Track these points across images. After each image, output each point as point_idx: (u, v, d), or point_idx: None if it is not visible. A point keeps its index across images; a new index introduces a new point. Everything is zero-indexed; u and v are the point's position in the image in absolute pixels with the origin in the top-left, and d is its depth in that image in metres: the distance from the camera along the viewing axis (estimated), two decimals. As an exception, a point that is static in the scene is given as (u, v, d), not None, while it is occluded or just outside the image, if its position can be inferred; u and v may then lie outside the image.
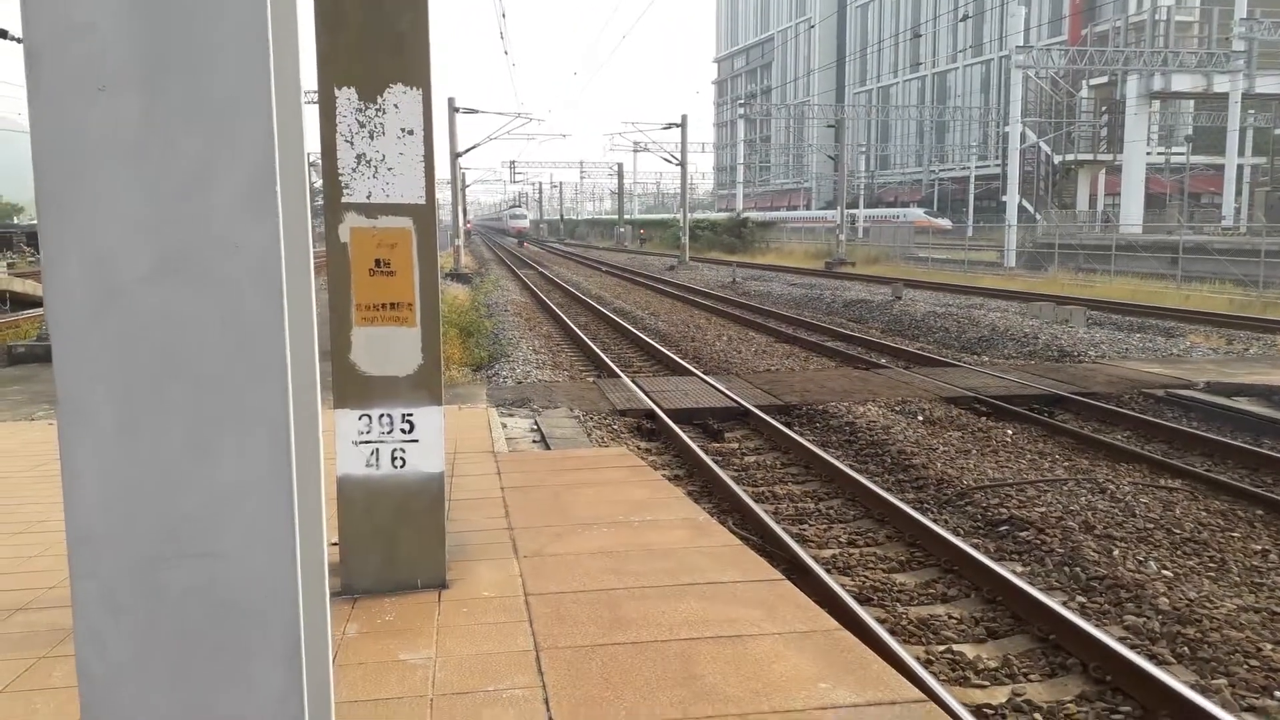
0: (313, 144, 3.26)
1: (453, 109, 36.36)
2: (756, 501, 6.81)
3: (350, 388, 4.20)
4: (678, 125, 44.22)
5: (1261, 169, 55.04)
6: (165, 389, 1.30)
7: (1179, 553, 5.94)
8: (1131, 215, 40.56)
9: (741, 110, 78.15)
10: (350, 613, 4.11)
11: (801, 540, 6.19)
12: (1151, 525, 6.37)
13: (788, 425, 9.38)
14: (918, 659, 4.42)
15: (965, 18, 73.02)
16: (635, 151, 73.08)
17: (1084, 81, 45.58)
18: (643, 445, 8.86)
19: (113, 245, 1.27)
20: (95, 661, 1.30)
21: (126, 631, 1.30)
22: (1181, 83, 40.85)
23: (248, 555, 1.33)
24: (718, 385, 11.06)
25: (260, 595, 1.34)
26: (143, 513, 1.30)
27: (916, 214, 64.39)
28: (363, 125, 3.99)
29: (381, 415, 4.22)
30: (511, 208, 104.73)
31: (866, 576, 5.67)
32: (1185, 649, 4.65)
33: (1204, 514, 6.63)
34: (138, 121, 1.27)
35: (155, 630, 1.32)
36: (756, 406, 9.88)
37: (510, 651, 3.75)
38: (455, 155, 37.44)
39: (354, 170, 4.03)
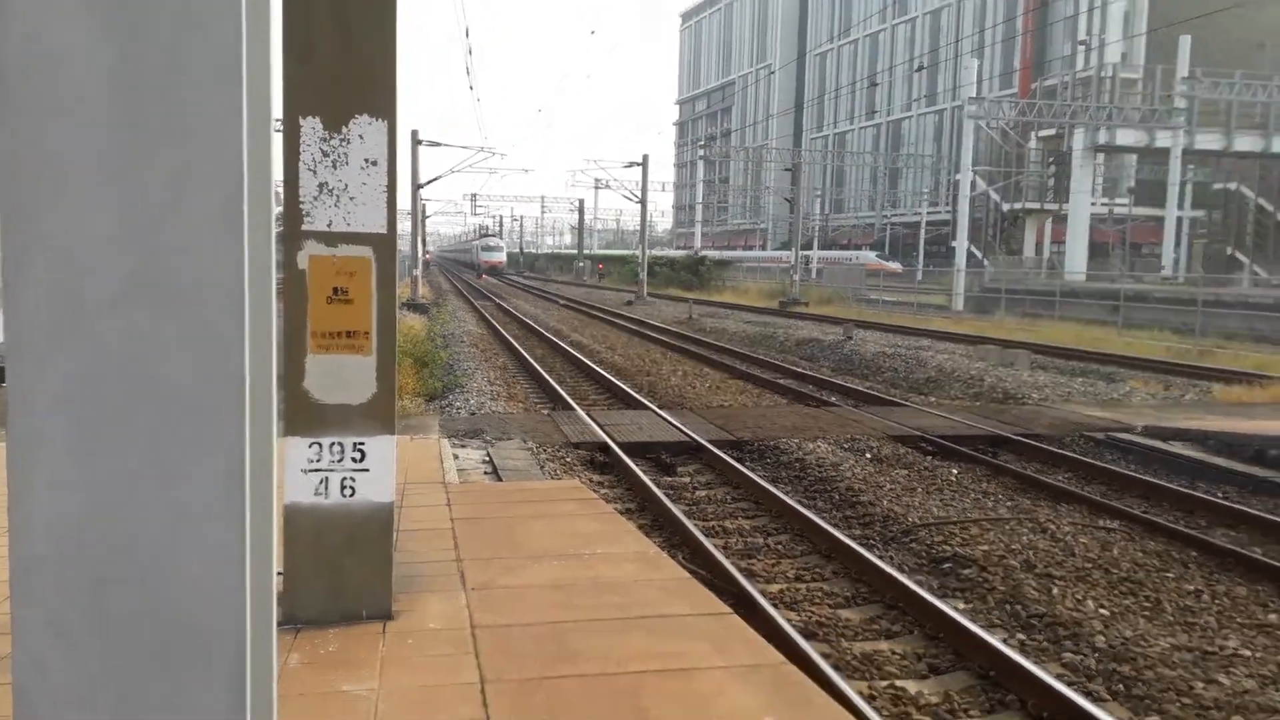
0: (276, 171, 3.30)
1: (416, 141, 36.38)
2: (707, 536, 6.86)
3: (302, 415, 4.19)
4: (639, 164, 44.67)
5: (1200, 222, 56.82)
6: (127, 411, 1.31)
7: (1115, 592, 6.09)
8: (1076, 263, 41.61)
9: (702, 151, 79.14)
10: (293, 643, 4.07)
11: (750, 575, 6.24)
12: (1090, 565, 6.52)
13: (739, 460, 9.45)
14: (861, 694, 4.48)
15: (920, 68, 74.82)
16: (597, 188, 73.24)
17: (1033, 133, 46.87)
18: (595, 478, 8.88)
19: (80, 268, 1.29)
20: (35, 689, 1.29)
21: (70, 657, 1.30)
22: (1125, 137, 42.20)
23: (198, 578, 1.34)
24: (672, 420, 11.13)
25: (208, 619, 1.35)
26: (95, 536, 1.31)
27: (869, 257, 65.41)
28: (326, 154, 4.02)
29: (332, 443, 4.21)
30: (484, 236, 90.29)
31: (813, 611, 5.73)
32: (1120, 686, 4.77)
33: (1140, 554, 6.81)
34: (108, 144, 1.30)
35: (100, 655, 1.32)
36: (709, 441, 9.95)
37: (455, 684, 3.73)
38: (417, 186, 37.40)
39: (315, 198, 4.05)
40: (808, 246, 67.12)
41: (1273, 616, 5.77)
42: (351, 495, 4.27)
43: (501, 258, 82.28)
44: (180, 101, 1.33)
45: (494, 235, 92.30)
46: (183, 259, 1.32)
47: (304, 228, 4.05)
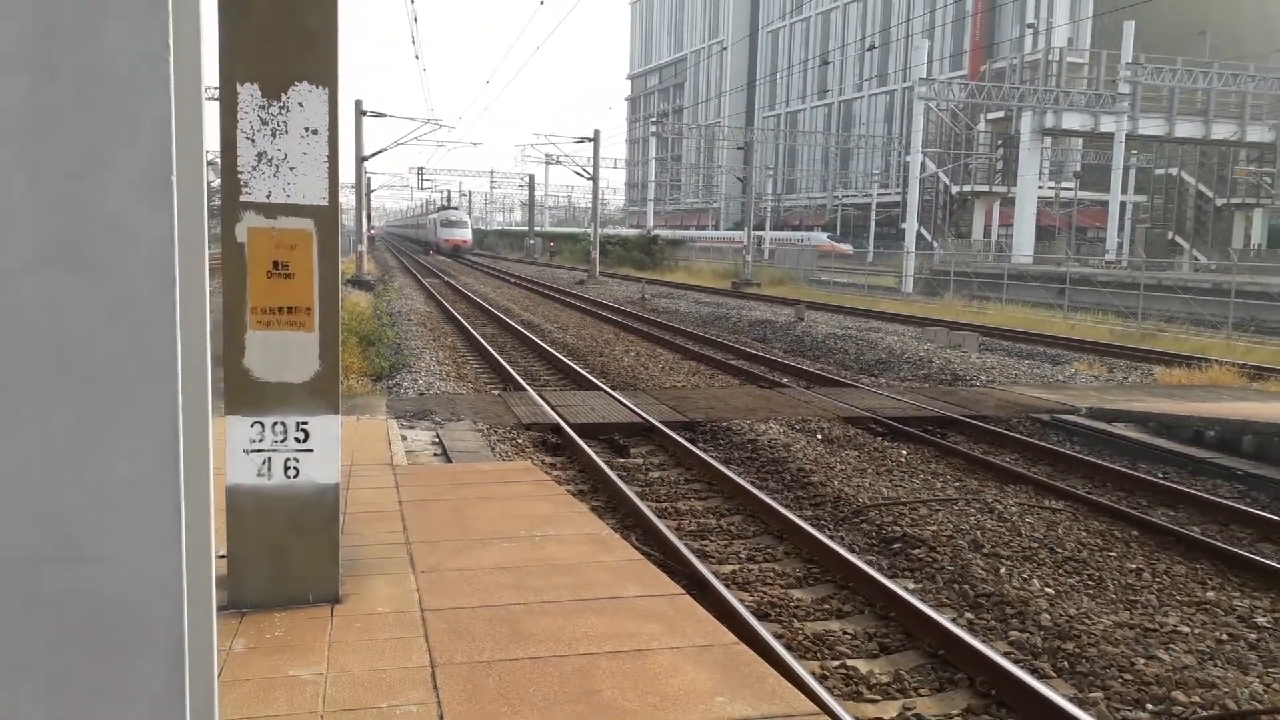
0: (211, 140, 3.16)
1: (360, 111, 35.71)
2: (660, 517, 6.83)
3: (243, 394, 4.06)
4: (590, 140, 44.36)
5: (1142, 207, 58.10)
6: (50, 382, 1.24)
7: (1060, 571, 6.18)
8: (1023, 246, 42.28)
9: (654, 128, 78.66)
10: (238, 627, 3.96)
11: (703, 556, 6.22)
12: (1036, 544, 6.61)
13: (692, 441, 9.44)
14: (813, 674, 4.48)
15: (872, 48, 75.29)
16: (547, 164, 71.49)
17: (982, 115, 47.41)
18: (547, 460, 8.81)
19: None
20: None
21: (-2, 637, 1.23)
22: (1071, 121, 42.86)
23: (131, 557, 1.28)
24: (625, 401, 11.08)
25: (143, 599, 1.28)
26: (21, 510, 1.24)
27: (820, 238, 65.94)
28: (265, 123, 3.88)
29: (275, 423, 4.09)
30: (443, 209, 76.26)
31: (765, 592, 5.74)
32: (1065, 663, 4.84)
33: (1084, 534, 6.92)
34: (24, 100, 1.21)
35: (30, 635, 1.25)
36: (662, 422, 9.92)
37: (405, 668, 3.66)
38: (361, 159, 36.76)
39: (254, 168, 3.91)
40: (760, 227, 67.42)
41: (1210, 594, 5.90)
42: (295, 476, 4.16)
43: (466, 235, 69.34)
44: (100, 62, 1.23)
45: (455, 208, 77.00)
46: (105, 227, 1.24)
47: (242, 199, 3.91)
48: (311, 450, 4.15)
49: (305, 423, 4.12)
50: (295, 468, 4.15)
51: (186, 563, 1.32)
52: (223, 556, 4.15)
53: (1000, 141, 47.37)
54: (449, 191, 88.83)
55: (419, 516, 5.65)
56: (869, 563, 6.11)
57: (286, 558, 4.19)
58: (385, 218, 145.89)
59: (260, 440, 4.10)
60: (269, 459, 4.13)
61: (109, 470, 1.27)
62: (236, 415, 4.07)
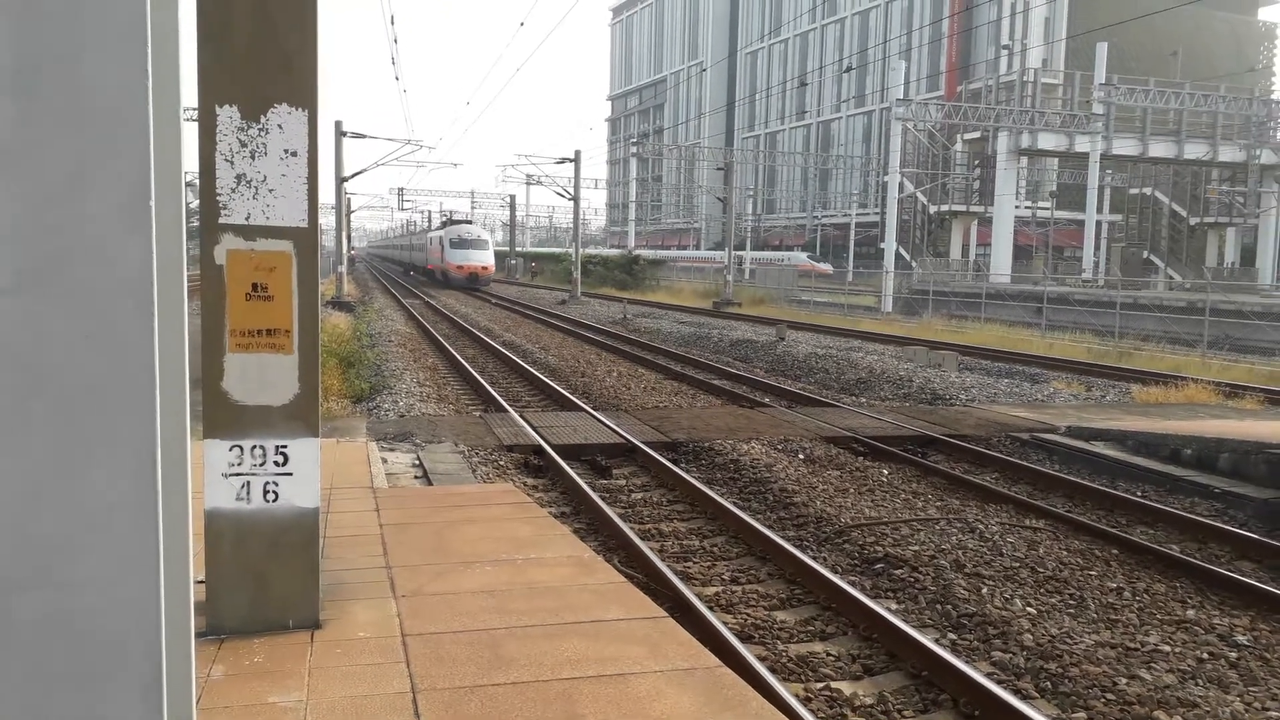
0: (190, 162, 3.14)
1: (340, 132, 35.67)
2: (642, 539, 6.81)
3: (221, 417, 4.02)
4: (571, 160, 44.49)
5: (1118, 226, 58.77)
6: (26, 405, 1.23)
7: (1042, 590, 6.19)
8: (1001, 265, 42.64)
9: (634, 149, 78.97)
10: (216, 654, 3.90)
11: (685, 578, 6.20)
12: (1017, 564, 6.63)
13: (675, 462, 9.43)
14: (797, 696, 4.46)
15: (849, 69, 76.02)
16: (528, 184, 71.33)
17: (959, 136, 47.91)
18: (529, 482, 8.76)
19: None
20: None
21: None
22: (1047, 141, 43.37)
23: (108, 582, 1.26)
24: (607, 421, 11.06)
25: (120, 625, 1.27)
26: None
27: (800, 258, 66.24)
28: (244, 145, 3.86)
29: (254, 446, 4.05)
30: (451, 223, 55.07)
31: (748, 614, 5.72)
32: (1048, 684, 4.84)
33: (1065, 553, 6.94)
34: (5, 126, 1.20)
35: (4, 663, 1.23)
36: (644, 443, 9.90)
37: (386, 694, 3.62)
38: (341, 179, 36.69)
39: (233, 190, 3.89)
40: (740, 247, 67.70)
41: (1190, 612, 5.92)
42: (275, 500, 4.11)
43: (487, 259, 49.13)
44: (79, 88, 1.22)
45: (469, 222, 56.36)
46: (84, 250, 1.23)
47: (221, 221, 3.89)
48: (291, 474, 4.11)
49: (284, 446, 4.08)
50: (275, 491, 4.11)
51: (165, 588, 1.30)
52: (201, 582, 4.10)
53: (977, 161, 47.88)
54: (419, 217, 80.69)
55: (400, 540, 5.60)
56: (852, 583, 6.10)
57: (266, 583, 4.14)
58: (366, 238, 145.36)
59: (239, 464, 4.06)
60: (248, 483, 4.09)
61: (86, 494, 1.26)
62: (215, 438, 4.03)
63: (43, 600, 1.26)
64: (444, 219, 61.11)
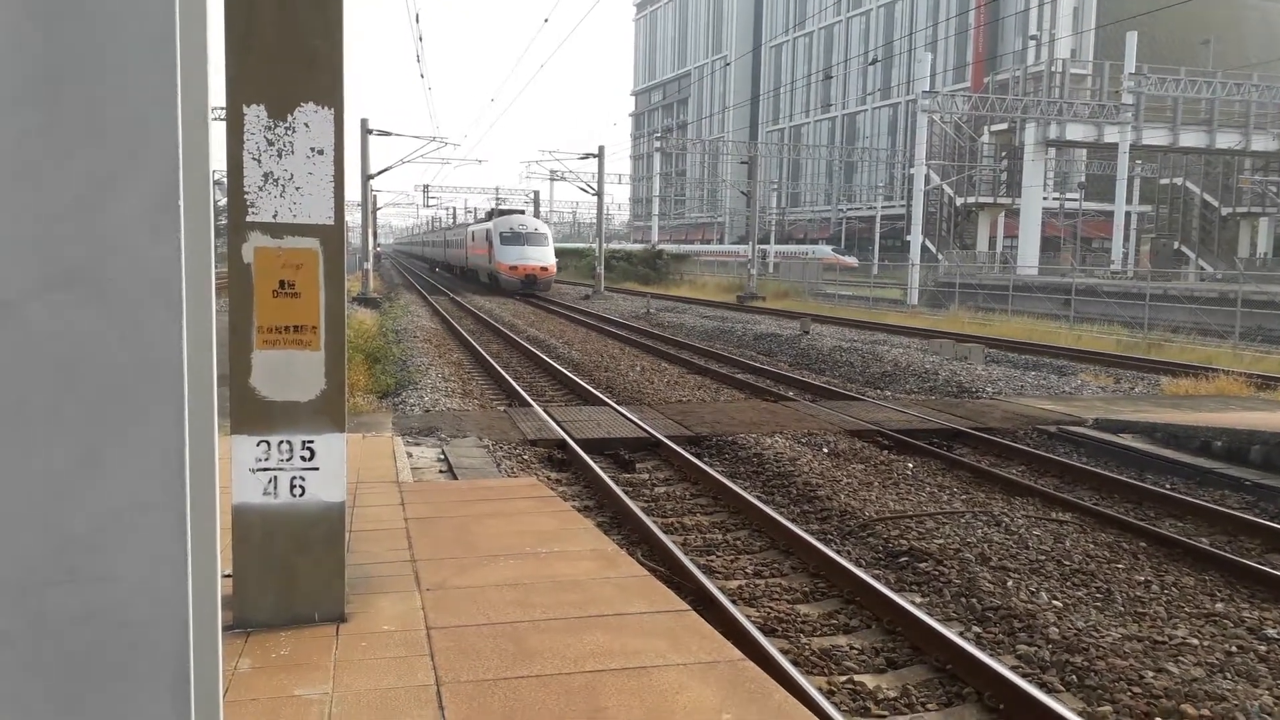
0: (218, 161, 3.19)
1: (365, 130, 35.91)
2: (665, 532, 6.83)
3: (249, 413, 4.07)
4: (595, 156, 44.52)
5: (1147, 216, 58.06)
6: (57, 405, 1.26)
7: (1068, 584, 6.15)
8: (1028, 257, 42.28)
9: (658, 144, 78.76)
10: (243, 647, 3.96)
11: (709, 571, 6.22)
12: (1043, 557, 6.59)
13: (698, 456, 9.44)
14: (820, 689, 4.47)
15: (874, 61, 75.52)
16: (552, 180, 71.35)
17: (985, 127, 47.49)
18: (553, 475, 8.81)
19: (4, 259, 1.23)
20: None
21: (7, 661, 1.24)
22: (1075, 132, 42.91)
23: (137, 577, 1.29)
24: (630, 415, 11.08)
25: (149, 619, 1.30)
26: (28, 534, 1.25)
27: (825, 251, 65.98)
28: (271, 143, 3.91)
29: (281, 442, 4.11)
30: (500, 213, 44.68)
31: (771, 607, 5.72)
32: (1074, 677, 4.81)
33: (1092, 546, 6.89)
34: (36, 135, 1.23)
35: (36, 660, 1.26)
36: (668, 437, 9.92)
37: (410, 686, 3.66)
38: (367, 177, 36.93)
39: (260, 189, 3.94)
40: (764, 240, 67.49)
41: (1219, 605, 5.87)
42: (301, 495, 4.17)
43: (546, 258, 40.13)
44: (108, 94, 1.25)
45: (521, 211, 46.50)
46: (113, 252, 1.26)
47: (249, 219, 3.93)
48: (317, 469, 4.16)
49: (311, 441, 4.13)
50: (301, 486, 4.16)
51: (192, 582, 1.33)
52: (228, 575, 4.16)
53: (1004, 153, 47.43)
54: (444, 213, 75.46)
55: (424, 534, 5.66)
56: (876, 577, 6.09)
57: (292, 577, 4.19)
58: (392, 235, 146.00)
59: (266, 459, 4.12)
60: (275, 477, 4.14)
61: (116, 491, 1.29)
62: (242, 434, 4.08)
63: (73, 596, 1.29)
64: (494, 208, 51.27)
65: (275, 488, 4.14)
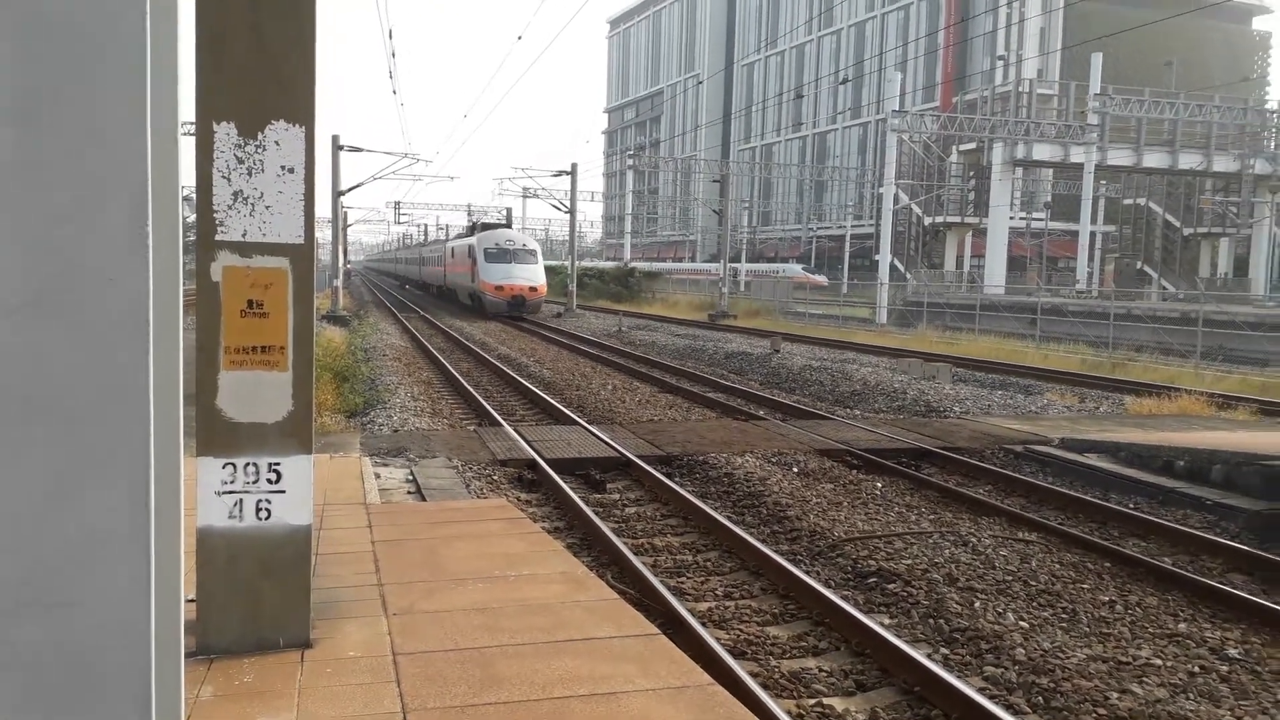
0: (188, 176, 3.15)
1: (336, 146, 35.75)
2: (636, 554, 6.81)
3: (215, 434, 4.02)
4: (567, 173, 44.56)
5: (1111, 236, 58.95)
6: (25, 429, 1.24)
7: (1034, 604, 6.20)
8: (995, 276, 42.76)
9: (630, 161, 79.01)
10: (206, 674, 3.90)
11: (679, 593, 6.20)
12: (1010, 577, 6.64)
13: (669, 476, 9.43)
14: (789, 713, 4.47)
15: (845, 81, 76.34)
16: (525, 197, 70.92)
17: (954, 147, 48.10)
18: (523, 496, 8.76)
19: None
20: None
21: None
22: (1041, 152, 43.55)
23: (100, 603, 1.27)
24: (601, 435, 11.06)
25: (111, 646, 1.28)
26: None
27: (795, 270, 66.40)
28: (241, 161, 3.88)
29: (247, 464, 4.06)
30: (482, 226, 42.10)
31: (741, 630, 5.72)
32: (1040, 698, 4.85)
33: (1057, 566, 6.96)
34: (10, 154, 1.22)
35: (8, 688, 1.24)
36: (639, 457, 9.91)
37: (375, 714, 3.62)
38: (337, 194, 36.74)
39: (230, 207, 3.90)
40: (736, 259, 67.83)
41: (1182, 625, 5.93)
42: (267, 518, 4.11)
43: (535, 276, 37.18)
44: (80, 116, 1.24)
45: (507, 225, 44.44)
46: (83, 273, 1.24)
47: (218, 238, 3.90)
48: (284, 491, 4.11)
49: (278, 463, 4.09)
50: (267, 509, 4.11)
51: (155, 610, 1.31)
52: (192, 600, 4.10)
53: (972, 173, 48.03)
54: (415, 230, 73.28)
55: (392, 557, 5.60)
56: (845, 598, 6.11)
57: (257, 601, 4.14)
58: (363, 251, 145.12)
59: (232, 482, 4.06)
60: (241, 500, 4.09)
61: (82, 517, 1.27)
62: (208, 456, 4.03)
63: (39, 622, 1.27)
64: (472, 222, 47.50)
65: (241, 511, 4.09)
